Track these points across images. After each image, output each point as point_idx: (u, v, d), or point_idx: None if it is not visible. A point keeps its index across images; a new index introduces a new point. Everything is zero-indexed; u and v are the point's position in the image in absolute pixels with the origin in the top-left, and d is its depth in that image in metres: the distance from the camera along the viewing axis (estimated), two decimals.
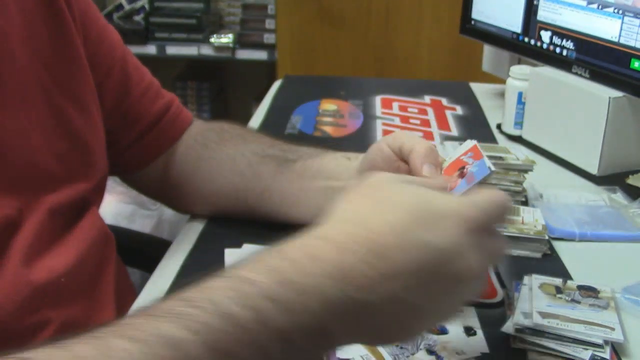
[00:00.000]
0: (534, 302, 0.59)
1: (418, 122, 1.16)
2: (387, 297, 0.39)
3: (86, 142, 0.66)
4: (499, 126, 1.12)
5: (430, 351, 0.54)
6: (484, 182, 0.53)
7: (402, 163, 0.60)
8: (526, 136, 1.06)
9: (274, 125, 1.14)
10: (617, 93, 0.90)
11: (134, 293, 0.71)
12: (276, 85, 1.37)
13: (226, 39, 2.41)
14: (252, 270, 0.38)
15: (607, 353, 0.54)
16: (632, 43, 0.88)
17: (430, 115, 1.19)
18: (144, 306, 0.38)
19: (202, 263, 0.70)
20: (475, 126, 1.15)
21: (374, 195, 0.44)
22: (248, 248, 0.72)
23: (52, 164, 0.62)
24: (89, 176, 0.67)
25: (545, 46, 1.04)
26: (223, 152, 0.76)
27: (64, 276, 0.61)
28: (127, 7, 2.49)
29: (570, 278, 0.67)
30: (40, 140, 0.61)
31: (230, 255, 0.70)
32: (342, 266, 0.38)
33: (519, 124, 1.07)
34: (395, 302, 0.40)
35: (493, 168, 0.53)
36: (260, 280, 0.37)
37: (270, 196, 0.73)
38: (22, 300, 0.57)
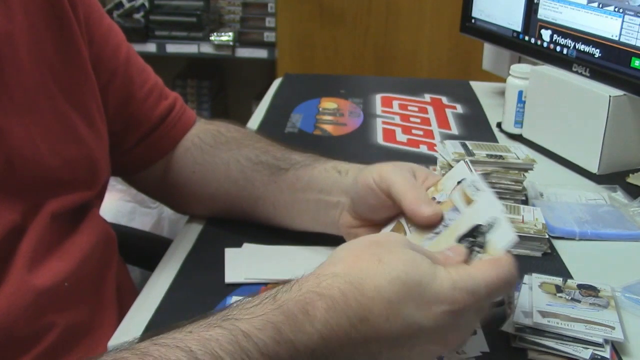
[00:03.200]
0: (534, 301, 0.59)
1: (418, 120, 1.16)
2: (365, 356, 0.43)
3: (91, 150, 0.66)
4: (499, 125, 1.12)
5: None
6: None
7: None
8: (526, 135, 1.06)
9: (274, 124, 1.13)
10: (617, 92, 0.90)
11: (135, 291, 0.70)
12: (276, 83, 1.37)
13: (226, 37, 2.41)
14: (250, 324, 0.41)
15: (607, 352, 0.54)
16: (632, 42, 0.88)
17: (431, 114, 1.19)
18: (140, 347, 0.40)
19: (202, 262, 0.70)
20: (476, 125, 1.15)
21: (375, 253, 0.45)
22: (248, 248, 0.72)
23: (59, 169, 0.62)
24: (93, 184, 0.67)
25: (545, 45, 1.04)
26: (217, 157, 0.75)
27: (67, 280, 0.61)
28: (126, 5, 2.49)
29: (571, 277, 0.67)
30: (48, 146, 0.61)
31: (230, 254, 0.70)
32: (330, 326, 0.42)
33: (519, 122, 1.07)
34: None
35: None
36: (258, 336, 0.40)
37: (264, 204, 0.73)
38: (27, 306, 0.57)
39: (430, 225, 0.55)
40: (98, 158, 0.67)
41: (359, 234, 0.64)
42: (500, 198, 0.80)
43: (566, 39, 0.99)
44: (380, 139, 1.07)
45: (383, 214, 0.61)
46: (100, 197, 0.71)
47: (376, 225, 0.63)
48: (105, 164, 0.69)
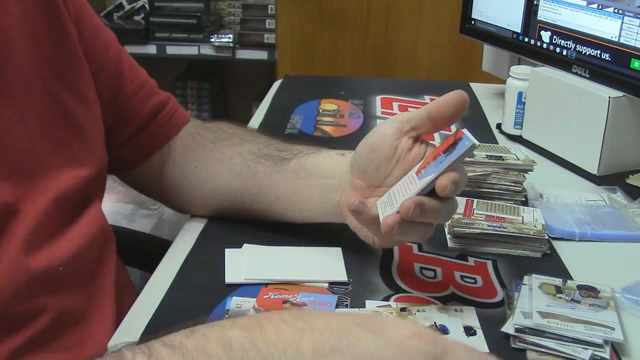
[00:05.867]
0: (534, 302, 0.59)
1: None
2: None
3: (85, 129, 0.67)
4: (499, 126, 1.12)
5: None
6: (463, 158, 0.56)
7: (404, 140, 0.61)
8: (526, 136, 1.06)
9: (274, 125, 1.14)
10: (617, 93, 0.90)
11: (134, 293, 0.70)
12: (276, 85, 1.37)
13: (226, 38, 2.41)
14: None
15: (607, 353, 0.54)
16: (632, 43, 0.88)
17: None
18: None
19: (202, 262, 0.70)
20: (475, 126, 1.15)
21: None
22: (248, 248, 0.72)
23: (50, 151, 0.63)
24: (87, 162, 0.68)
25: (545, 46, 1.04)
26: (220, 152, 0.76)
27: (62, 265, 0.61)
28: (127, 7, 2.49)
29: (570, 278, 0.67)
30: (39, 128, 0.62)
31: (230, 255, 0.70)
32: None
33: (519, 123, 1.07)
34: None
35: (476, 142, 0.55)
36: None
37: (267, 195, 0.73)
38: (19, 286, 0.57)
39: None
40: (92, 136, 0.68)
41: None
42: (500, 199, 0.80)
43: (566, 40, 1.00)
44: None
45: (387, 168, 0.62)
46: (100, 187, 0.72)
47: (377, 191, 0.63)
48: (101, 142, 0.70)
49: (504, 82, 1.12)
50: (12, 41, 0.60)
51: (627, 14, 0.88)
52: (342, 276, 0.67)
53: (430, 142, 0.63)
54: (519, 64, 1.13)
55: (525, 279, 0.64)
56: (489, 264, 0.70)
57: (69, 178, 0.64)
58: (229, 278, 0.66)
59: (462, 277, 0.67)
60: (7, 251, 0.57)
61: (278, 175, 0.72)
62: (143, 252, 0.97)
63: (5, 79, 0.59)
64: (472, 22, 1.23)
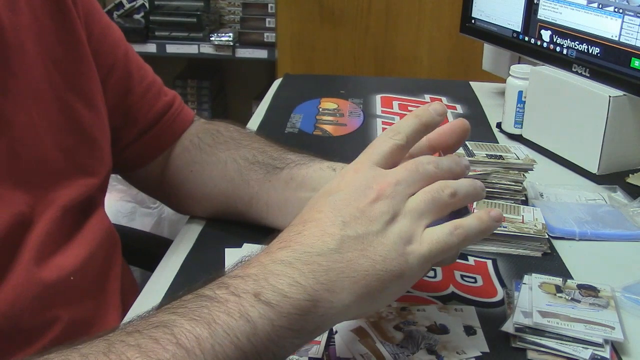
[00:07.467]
0: (534, 301, 0.59)
1: None
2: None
3: (94, 137, 0.67)
4: (499, 125, 1.12)
5: (430, 350, 0.55)
6: None
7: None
8: (526, 135, 1.06)
9: (274, 124, 1.14)
10: (617, 92, 0.90)
11: (137, 291, 0.71)
12: (276, 83, 1.37)
13: (226, 37, 2.41)
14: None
15: (607, 352, 0.54)
16: (632, 42, 0.88)
17: None
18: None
19: (202, 262, 0.70)
20: (476, 125, 1.15)
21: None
22: (248, 248, 0.72)
23: (59, 160, 0.63)
24: (96, 171, 0.68)
25: (545, 45, 1.04)
26: (215, 156, 0.76)
27: (74, 274, 0.61)
28: (127, 5, 2.49)
29: (571, 277, 0.67)
30: (49, 136, 0.62)
31: (230, 254, 0.70)
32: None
33: (519, 122, 1.07)
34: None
35: None
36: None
37: (257, 203, 0.73)
38: (33, 298, 0.57)
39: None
40: (100, 144, 0.68)
41: None
42: (500, 198, 0.80)
43: (566, 39, 1.00)
44: None
45: None
46: (103, 192, 0.72)
47: None
48: (108, 150, 0.70)
49: (504, 81, 1.12)
50: (22, 42, 0.59)
51: (628, 13, 0.88)
52: None
53: None
54: (519, 63, 1.13)
55: (526, 278, 0.64)
56: (489, 263, 0.70)
57: (77, 187, 0.64)
58: None
59: (462, 276, 0.67)
60: (20, 263, 0.57)
61: (269, 184, 0.71)
62: (143, 250, 0.97)
63: (18, 82, 0.59)
64: (472, 21, 1.22)
